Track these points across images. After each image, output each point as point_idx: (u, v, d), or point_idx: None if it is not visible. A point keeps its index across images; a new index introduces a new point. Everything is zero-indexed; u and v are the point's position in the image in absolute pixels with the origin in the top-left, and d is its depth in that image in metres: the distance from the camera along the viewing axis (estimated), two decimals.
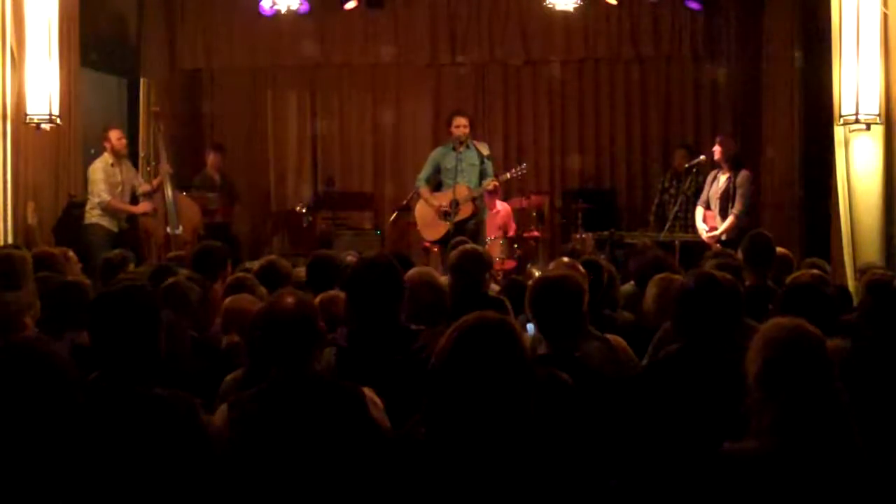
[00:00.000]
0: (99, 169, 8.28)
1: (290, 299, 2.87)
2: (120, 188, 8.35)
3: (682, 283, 3.38)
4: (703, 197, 8.13)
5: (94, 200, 8.24)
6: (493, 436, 2.25)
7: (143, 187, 8.56)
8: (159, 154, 8.69)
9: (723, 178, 7.96)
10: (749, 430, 2.43)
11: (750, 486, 2.34)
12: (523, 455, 2.26)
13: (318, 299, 4.15)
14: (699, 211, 8.12)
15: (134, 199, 8.61)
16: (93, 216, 8.24)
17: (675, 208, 8.58)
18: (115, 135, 8.39)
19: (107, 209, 8.23)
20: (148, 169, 8.55)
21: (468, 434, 2.26)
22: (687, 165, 8.72)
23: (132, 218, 8.49)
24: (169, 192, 8.48)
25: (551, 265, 5.04)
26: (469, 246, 5.21)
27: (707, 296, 3.23)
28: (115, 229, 8.30)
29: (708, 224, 7.98)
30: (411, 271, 4.08)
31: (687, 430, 2.67)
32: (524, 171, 8.81)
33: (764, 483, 2.33)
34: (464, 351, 2.30)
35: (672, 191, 9.46)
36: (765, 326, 2.51)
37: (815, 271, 5.03)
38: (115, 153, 8.33)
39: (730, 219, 7.77)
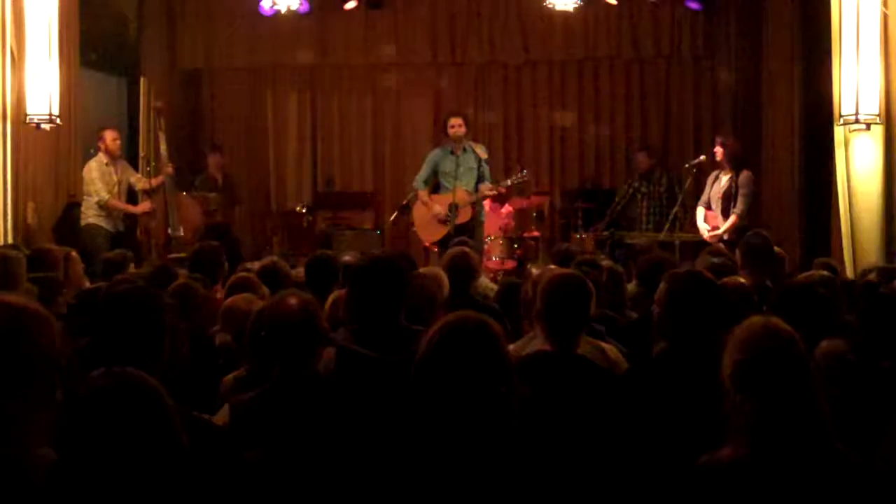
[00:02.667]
0: (94, 168, 8.21)
1: (293, 300, 2.87)
2: (116, 188, 8.26)
3: (664, 284, 3.31)
4: (704, 197, 8.13)
5: (90, 200, 8.16)
6: (472, 436, 2.24)
7: (142, 183, 8.42)
8: (159, 152, 8.47)
9: (724, 179, 7.95)
10: (725, 436, 2.35)
11: (726, 495, 2.28)
12: (504, 456, 2.25)
13: (329, 300, 4.14)
14: (700, 211, 8.12)
15: (132, 199, 8.52)
16: (89, 216, 8.16)
17: (675, 209, 8.55)
18: (109, 136, 8.31)
19: (106, 208, 8.16)
20: (147, 169, 8.45)
21: (448, 434, 2.25)
22: (687, 165, 8.72)
23: (130, 218, 8.40)
24: (169, 192, 8.37)
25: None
26: (458, 249, 5.18)
27: (690, 296, 3.17)
28: (114, 230, 8.21)
29: (710, 224, 7.98)
30: (420, 270, 4.08)
31: (669, 433, 2.64)
32: (525, 178, 8.81)
33: (739, 491, 2.27)
34: (443, 351, 2.29)
35: (644, 190, 9.43)
36: (738, 327, 2.42)
37: (823, 272, 4.98)
38: (110, 154, 8.25)
39: (732, 218, 7.76)
